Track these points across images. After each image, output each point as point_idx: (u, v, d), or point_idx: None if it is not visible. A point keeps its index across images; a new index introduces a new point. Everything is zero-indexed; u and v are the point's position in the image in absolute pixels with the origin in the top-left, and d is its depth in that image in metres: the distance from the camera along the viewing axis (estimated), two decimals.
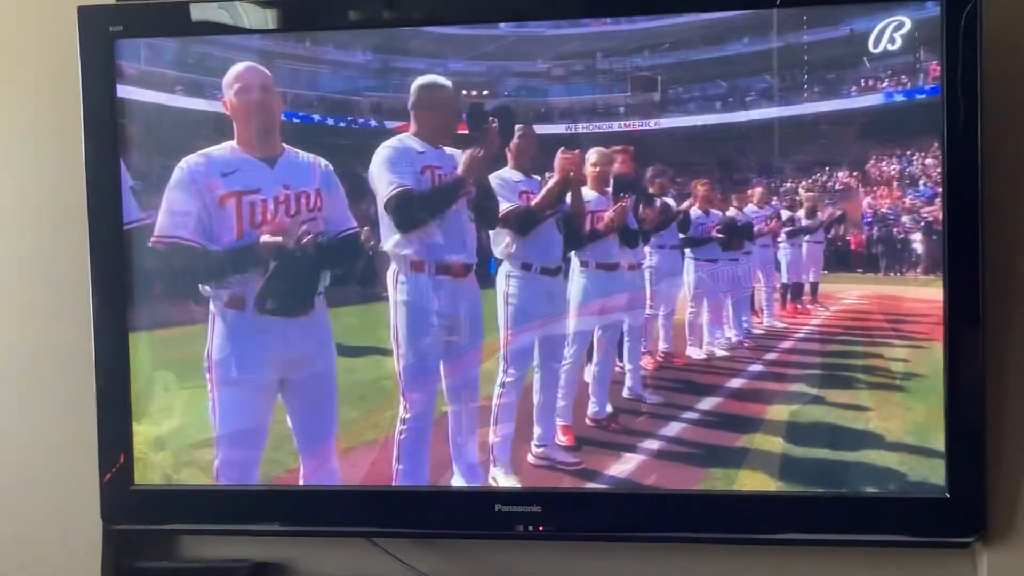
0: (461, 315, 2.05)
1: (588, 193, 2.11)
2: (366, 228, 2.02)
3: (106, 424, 1.99)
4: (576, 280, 2.16)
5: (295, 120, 2.03)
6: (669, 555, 2.02)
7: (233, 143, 1.92)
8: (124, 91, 1.97)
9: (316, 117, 2.05)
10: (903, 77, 1.85)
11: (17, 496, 2.14)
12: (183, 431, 2.01)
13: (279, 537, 2.07)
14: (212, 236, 1.89)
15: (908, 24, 1.82)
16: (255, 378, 1.94)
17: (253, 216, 1.89)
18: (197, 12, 1.95)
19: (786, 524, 1.88)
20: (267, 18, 1.95)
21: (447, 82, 1.97)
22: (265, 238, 1.87)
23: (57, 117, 2.06)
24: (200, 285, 1.92)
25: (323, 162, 1.97)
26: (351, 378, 2.13)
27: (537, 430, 2.13)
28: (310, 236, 1.92)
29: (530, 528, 1.91)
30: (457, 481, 2.05)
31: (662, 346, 2.29)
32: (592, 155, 2.05)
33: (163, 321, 2.01)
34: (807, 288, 2.19)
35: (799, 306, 2.23)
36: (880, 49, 1.83)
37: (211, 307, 1.93)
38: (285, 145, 1.94)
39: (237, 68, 1.91)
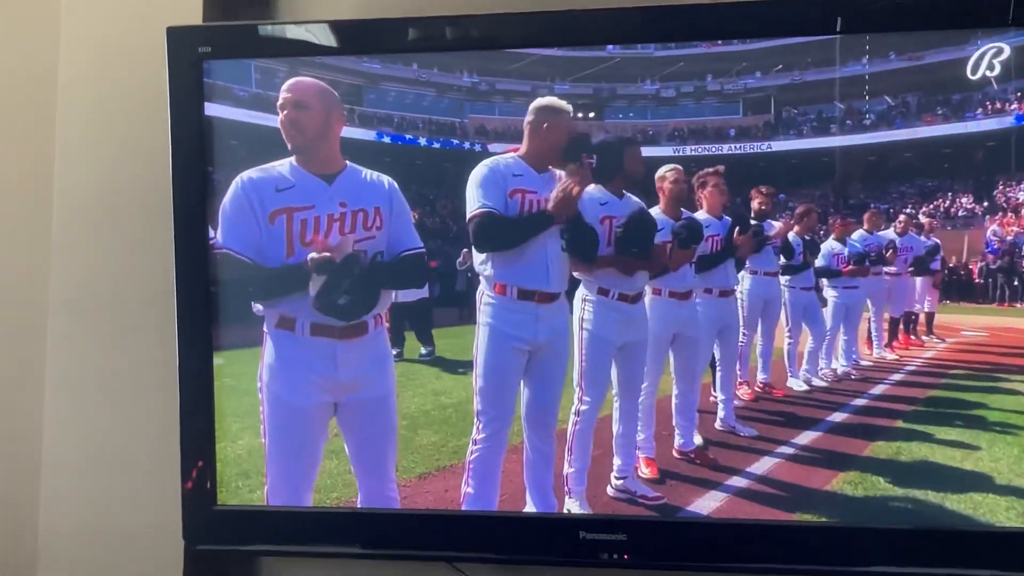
0: (542, 340, 1.98)
1: (658, 216, 2.04)
2: (465, 251, 1.99)
3: (189, 444, 1.98)
4: (647, 309, 2.09)
5: (400, 144, 2.03)
6: None
7: (292, 159, 1.86)
8: (212, 109, 1.96)
9: (422, 141, 2.04)
10: (1006, 103, 1.77)
11: (100, 515, 2.16)
12: (258, 452, 1.97)
13: (359, 560, 2.04)
14: (263, 253, 1.82)
15: (1007, 51, 1.73)
16: (305, 400, 1.87)
17: (304, 233, 1.82)
18: (287, 33, 1.94)
19: (878, 557, 1.79)
20: (359, 40, 1.93)
21: (566, 106, 1.92)
22: (312, 256, 1.80)
23: (145, 137, 2.07)
24: (252, 303, 1.88)
25: (387, 180, 1.90)
26: (436, 401, 2.11)
27: (617, 461, 2.06)
28: (361, 253, 1.84)
29: (615, 557, 1.86)
30: (533, 511, 1.98)
31: (761, 376, 2.19)
32: (669, 172, 1.99)
33: (242, 341, 1.98)
34: (921, 319, 2.06)
35: (913, 337, 2.10)
36: (979, 75, 1.74)
37: (264, 327, 1.88)
38: (348, 162, 1.89)
39: (288, 82, 1.86)
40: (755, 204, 2.00)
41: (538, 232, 1.94)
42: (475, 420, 1.97)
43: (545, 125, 1.93)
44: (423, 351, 2.15)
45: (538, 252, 1.95)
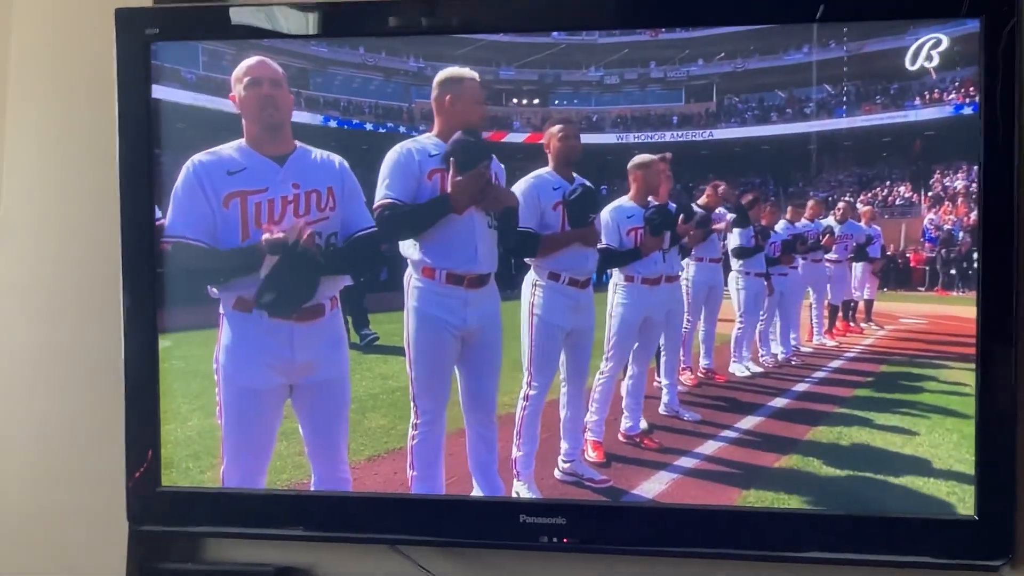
0: (472, 327, 1.97)
1: (628, 206, 2.04)
2: None
3: (133, 426, 1.98)
4: (620, 294, 2.11)
5: (346, 128, 2.02)
6: (695, 570, 1.96)
7: (243, 141, 1.84)
8: (159, 92, 1.95)
9: (369, 125, 2.03)
10: (944, 93, 1.79)
11: (45, 496, 2.15)
12: (209, 434, 1.99)
13: (302, 542, 2.05)
14: (218, 236, 1.82)
15: (946, 41, 1.75)
16: (260, 382, 1.87)
17: (259, 216, 1.81)
18: (236, 16, 1.93)
19: (815, 543, 1.83)
20: (308, 23, 1.93)
21: (468, 73, 1.89)
22: (265, 236, 1.80)
23: (93, 118, 2.05)
24: (208, 286, 1.87)
25: (338, 159, 1.88)
26: (384, 384, 2.11)
27: (564, 445, 2.07)
28: (310, 235, 1.82)
29: (554, 540, 1.88)
30: (478, 495, 2.00)
31: (703, 362, 2.20)
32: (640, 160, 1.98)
33: (192, 323, 1.99)
34: (860, 306, 2.08)
35: (851, 324, 2.12)
36: (918, 65, 1.76)
37: (220, 309, 1.87)
38: (298, 143, 1.87)
39: (246, 62, 1.85)
40: (704, 199, 2.03)
41: (440, 218, 1.91)
42: (412, 406, 1.97)
43: (448, 97, 1.90)
44: (366, 332, 2.16)
45: (465, 231, 1.93)
